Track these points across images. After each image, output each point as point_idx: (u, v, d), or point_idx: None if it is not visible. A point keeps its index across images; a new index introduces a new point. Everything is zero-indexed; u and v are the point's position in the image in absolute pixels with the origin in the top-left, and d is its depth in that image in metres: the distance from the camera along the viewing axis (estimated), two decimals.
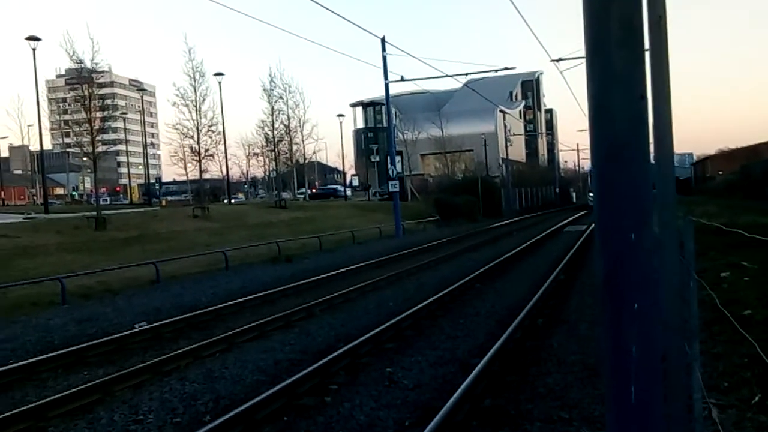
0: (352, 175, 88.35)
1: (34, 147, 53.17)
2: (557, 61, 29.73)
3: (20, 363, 9.17)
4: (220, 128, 38.86)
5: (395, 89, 46.00)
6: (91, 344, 10.21)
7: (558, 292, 14.03)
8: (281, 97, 45.97)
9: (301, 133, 50.48)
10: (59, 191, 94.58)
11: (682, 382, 4.09)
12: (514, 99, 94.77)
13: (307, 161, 64.02)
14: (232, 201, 55.42)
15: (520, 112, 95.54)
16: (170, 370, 8.82)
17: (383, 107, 53.67)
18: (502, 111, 70.21)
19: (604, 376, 1.57)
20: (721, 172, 67.35)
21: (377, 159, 65.73)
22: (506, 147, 71.06)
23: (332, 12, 33.00)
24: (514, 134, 79.17)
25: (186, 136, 35.91)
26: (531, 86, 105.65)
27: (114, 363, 9.34)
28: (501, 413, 6.66)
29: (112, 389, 7.96)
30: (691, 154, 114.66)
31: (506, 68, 34.35)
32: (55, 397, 7.50)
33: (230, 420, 6.38)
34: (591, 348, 8.86)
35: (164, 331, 11.39)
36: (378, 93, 51.88)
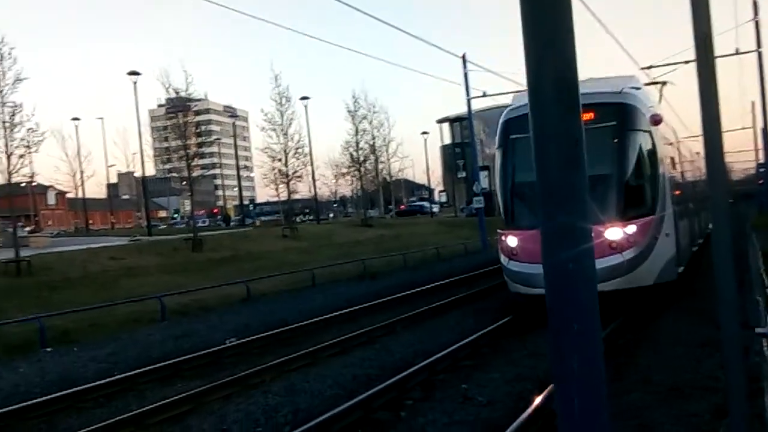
0: (440, 191, 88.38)
1: (140, 173, 56.50)
2: (647, 68, 28.57)
3: (122, 375, 9.98)
4: (307, 150, 40.02)
5: (481, 104, 45.81)
6: (186, 358, 10.95)
7: (646, 312, 13.57)
8: (365, 118, 46.58)
9: (387, 152, 51.06)
10: (162, 214, 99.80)
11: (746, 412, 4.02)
12: None
13: (393, 179, 64.77)
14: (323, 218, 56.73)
15: None
16: (256, 383, 9.33)
17: None
18: None
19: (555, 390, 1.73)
20: None
21: (464, 174, 65.52)
22: None
23: (413, 36, 34.61)
24: None
25: (275, 159, 37.18)
26: None
27: (206, 376, 9.95)
28: None
29: (203, 400, 8.54)
30: None
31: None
32: (152, 406, 8.15)
33: None
34: (670, 369, 8.64)
35: (252, 346, 11.99)
36: (462, 108, 51.92)
